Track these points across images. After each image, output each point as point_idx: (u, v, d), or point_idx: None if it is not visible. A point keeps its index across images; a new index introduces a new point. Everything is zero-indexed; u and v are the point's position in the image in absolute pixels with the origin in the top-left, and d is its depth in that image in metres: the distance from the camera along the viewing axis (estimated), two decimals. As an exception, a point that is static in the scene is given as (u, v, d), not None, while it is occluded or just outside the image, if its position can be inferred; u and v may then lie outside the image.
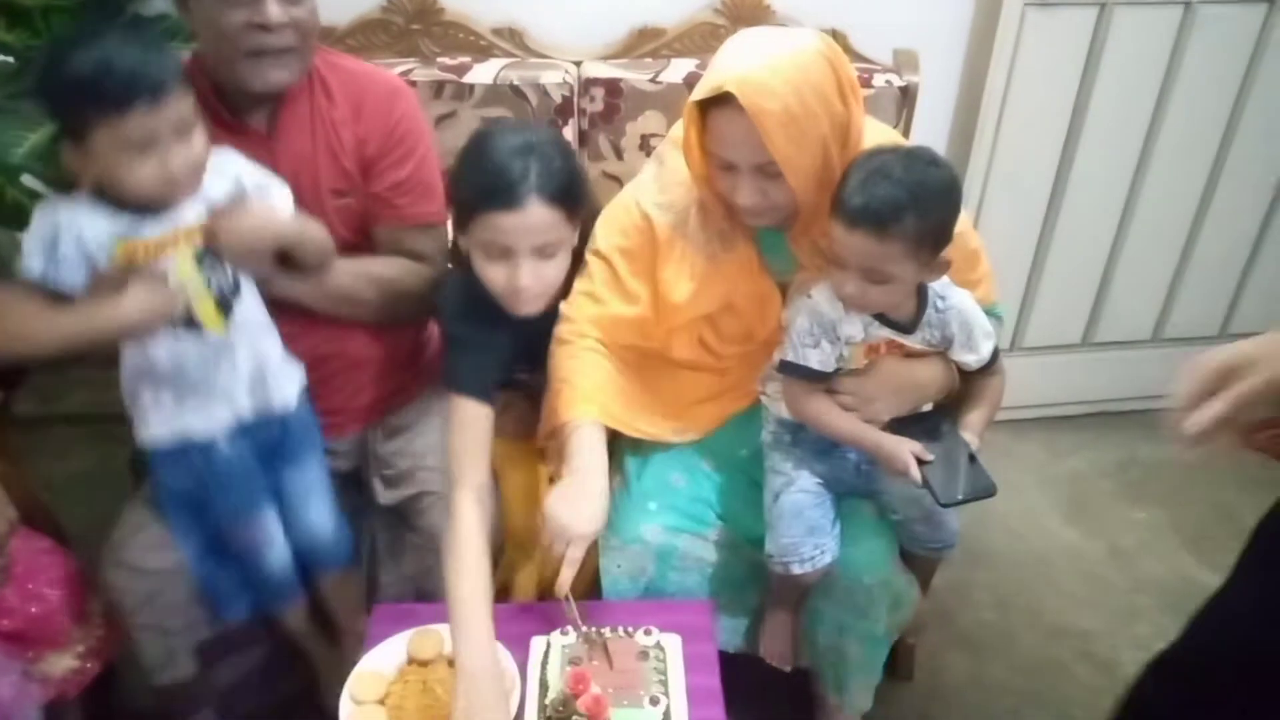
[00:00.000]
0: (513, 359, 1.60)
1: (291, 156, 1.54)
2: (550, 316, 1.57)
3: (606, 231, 1.57)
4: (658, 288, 1.55)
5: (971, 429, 1.46)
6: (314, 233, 1.50)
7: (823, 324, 1.42)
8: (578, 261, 1.54)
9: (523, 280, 1.41)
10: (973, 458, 1.40)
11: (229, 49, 1.42)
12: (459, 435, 1.45)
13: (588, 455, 1.45)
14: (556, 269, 1.46)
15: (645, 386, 1.63)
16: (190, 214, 1.38)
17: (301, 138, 1.54)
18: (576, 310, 1.57)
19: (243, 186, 1.42)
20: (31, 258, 1.33)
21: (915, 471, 1.39)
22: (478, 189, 1.39)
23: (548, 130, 1.51)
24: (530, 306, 1.46)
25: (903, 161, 1.31)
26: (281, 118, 1.53)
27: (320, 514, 1.61)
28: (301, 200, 1.53)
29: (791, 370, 1.47)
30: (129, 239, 1.34)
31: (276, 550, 1.57)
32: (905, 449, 1.41)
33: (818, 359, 1.44)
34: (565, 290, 1.55)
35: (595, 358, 1.55)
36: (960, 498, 1.37)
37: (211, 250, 1.40)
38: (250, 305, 1.47)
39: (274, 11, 1.40)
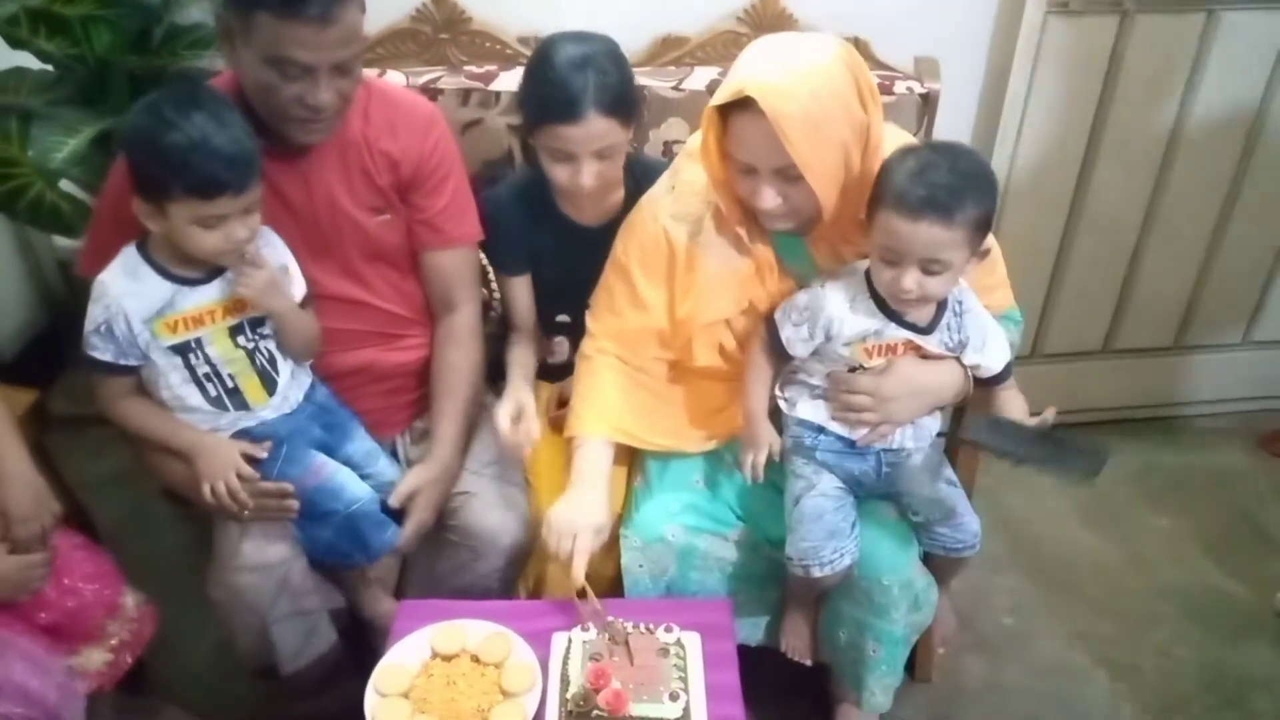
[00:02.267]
0: (555, 293, 1.76)
1: (323, 177, 1.56)
2: (592, 251, 1.67)
3: (626, 245, 1.61)
4: (675, 298, 1.57)
5: (1020, 410, 1.51)
6: (304, 320, 1.54)
7: (814, 311, 1.45)
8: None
9: (585, 180, 1.56)
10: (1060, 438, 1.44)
11: (276, 111, 1.43)
12: (514, 305, 1.78)
13: (588, 469, 1.56)
14: (614, 166, 1.62)
15: (667, 398, 1.66)
16: (221, 290, 1.46)
17: (334, 160, 1.56)
18: (598, 324, 1.62)
19: (260, 247, 1.47)
20: (96, 348, 1.44)
21: (749, 470, 1.50)
22: (541, 103, 1.54)
23: (604, 40, 1.59)
24: (591, 199, 1.65)
25: (943, 153, 1.34)
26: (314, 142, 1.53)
27: (389, 467, 1.68)
28: (333, 220, 1.57)
29: (771, 326, 1.52)
30: (165, 316, 1.43)
31: (353, 483, 1.59)
32: (766, 440, 1.51)
33: (790, 333, 1.48)
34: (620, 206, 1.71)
35: (612, 375, 1.61)
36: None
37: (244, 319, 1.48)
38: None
39: (325, 97, 1.41)
